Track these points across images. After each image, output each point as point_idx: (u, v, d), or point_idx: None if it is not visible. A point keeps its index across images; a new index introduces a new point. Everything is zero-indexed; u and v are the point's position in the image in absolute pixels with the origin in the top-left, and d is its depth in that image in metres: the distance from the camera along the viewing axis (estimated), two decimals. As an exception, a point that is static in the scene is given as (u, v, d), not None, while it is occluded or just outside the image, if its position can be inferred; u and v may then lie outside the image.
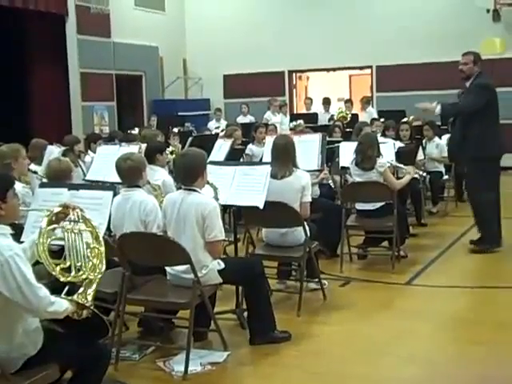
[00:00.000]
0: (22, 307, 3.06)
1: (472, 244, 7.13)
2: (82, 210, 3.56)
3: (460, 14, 13.80)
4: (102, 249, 3.48)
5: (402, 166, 7.15)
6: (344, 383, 4.10)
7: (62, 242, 3.45)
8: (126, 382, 4.10)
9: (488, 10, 13.63)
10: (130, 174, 4.75)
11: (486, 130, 6.87)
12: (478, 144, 6.87)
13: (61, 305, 3.12)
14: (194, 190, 4.43)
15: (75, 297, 3.23)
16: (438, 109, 7.00)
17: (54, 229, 3.44)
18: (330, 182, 7.56)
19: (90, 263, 3.39)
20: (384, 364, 4.35)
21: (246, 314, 4.83)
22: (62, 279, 3.30)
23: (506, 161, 13.48)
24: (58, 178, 4.95)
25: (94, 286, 3.31)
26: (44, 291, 3.08)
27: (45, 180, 5.26)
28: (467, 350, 4.51)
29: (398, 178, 7.04)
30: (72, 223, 3.48)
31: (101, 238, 3.53)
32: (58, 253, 3.43)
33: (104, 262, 3.45)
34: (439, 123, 9.89)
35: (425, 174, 7.75)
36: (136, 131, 9.76)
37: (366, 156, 6.55)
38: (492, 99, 6.91)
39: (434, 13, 14.18)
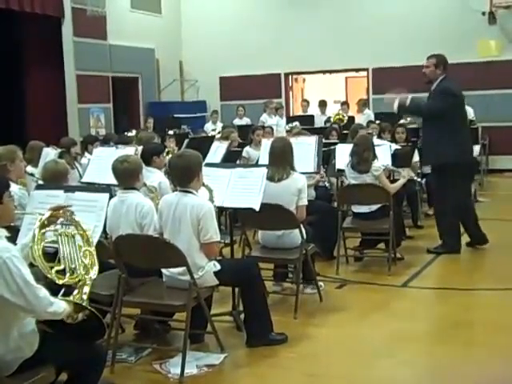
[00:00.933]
0: (22, 308, 3.06)
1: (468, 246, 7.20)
2: (72, 213, 3.57)
3: (456, 16, 13.82)
4: (93, 250, 3.51)
5: (397, 169, 7.18)
6: (340, 385, 4.11)
7: (55, 245, 3.46)
8: (122, 384, 4.10)
9: (484, 13, 13.68)
10: (127, 176, 4.76)
11: (445, 137, 6.73)
12: (439, 151, 6.81)
13: (59, 305, 3.14)
14: (190, 192, 4.43)
15: (71, 298, 3.24)
16: (408, 100, 6.86)
17: (47, 232, 3.46)
18: (327, 183, 7.57)
19: (84, 265, 3.42)
20: (380, 366, 4.35)
21: (242, 315, 4.83)
22: (58, 282, 3.31)
23: (499, 163, 13.65)
24: (54, 180, 4.95)
25: (89, 287, 3.33)
26: (44, 292, 3.09)
27: (41, 182, 5.25)
28: (463, 352, 4.51)
29: (394, 181, 7.05)
30: (64, 226, 3.50)
31: (91, 240, 3.55)
32: (51, 255, 3.44)
33: (97, 263, 3.47)
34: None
35: (420, 180, 7.76)
36: (133, 133, 9.75)
37: (362, 158, 6.55)
38: (455, 105, 6.78)
39: (429, 15, 14.21)
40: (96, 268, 3.47)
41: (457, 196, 6.90)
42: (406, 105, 6.91)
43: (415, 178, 7.63)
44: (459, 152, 6.80)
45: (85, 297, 3.29)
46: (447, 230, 7.09)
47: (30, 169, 6.38)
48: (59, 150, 6.97)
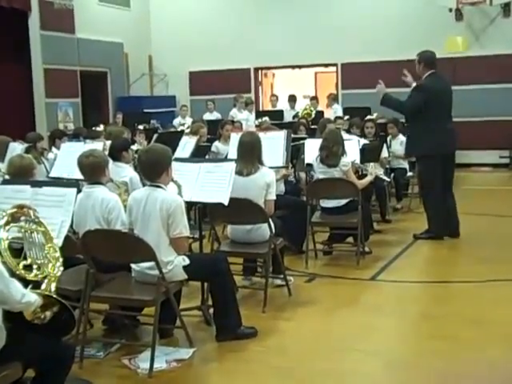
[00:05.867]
0: None
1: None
2: (35, 211, 3.56)
3: (423, 12, 13.95)
4: (56, 246, 3.53)
5: (364, 166, 7.25)
6: (309, 378, 4.13)
7: (21, 241, 3.46)
8: (91, 380, 4.06)
9: (451, 10, 13.82)
10: (92, 171, 4.73)
11: (422, 130, 7.14)
12: (415, 142, 7.34)
13: (31, 296, 3.12)
14: (159, 187, 4.42)
15: (40, 291, 3.24)
16: (381, 94, 7.35)
17: (11, 228, 3.45)
18: (292, 178, 7.60)
19: (48, 260, 3.42)
20: (348, 359, 4.39)
21: (211, 310, 4.83)
22: (26, 277, 3.30)
23: (467, 158, 13.82)
24: (19, 174, 4.88)
25: (55, 283, 3.33)
26: (16, 283, 3.07)
27: (7, 177, 5.19)
28: (430, 345, 4.56)
29: (362, 176, 7.11)
30: (28, 222, 3.49)
31: (53, 237, 3.56)
32: (17, 250, 3.43)
33: (61, 259, 3.47)
34: (403, 120, 10.00)
35: (387, 178, 7.94)
36: (101, 128, 9.68)
37: (332, 153, 6.59)
38: (430, 100, 7.06)
39: (397, 11, 14.36)
40: (60, 264, 3.48)
41: (436, 185, 7.22)
42: (390, 98, 7.33)
43: (382, 176, 7.75)
44: (433, 145, 7.11)
45: (53, 288, 3.29)
46: (431, 216, 7.34)
47: (-5, 164, 6.30)
48: (26, 145, 6.89)
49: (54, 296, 3.22)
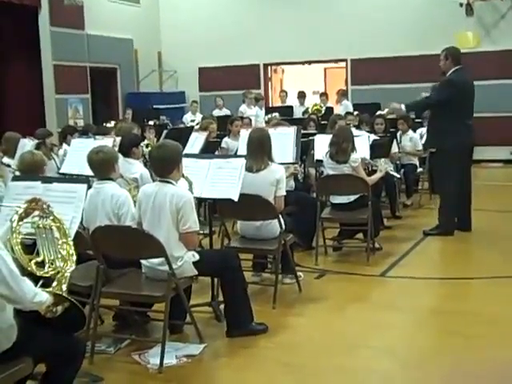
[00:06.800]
0: (7, 298, 3.03)
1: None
2: (49, 206, 3.56)
3: (433, 8, 13.90)
4: (71, 242, 3.51)
5: (374, 162, 7.24)
6: (320, 375, 4.12)
7: (33, 237, 3.45)
8: (101, 375, 4.08)
9: (461, 4, 13.74)
10: (102, 167, 4.74)
11: (448, 124, 7.11)
12: (437, 137, 7.32)
13: (43, 295, 3.12)
14: (169, 182, 4.43)
15: (51, 289, 3.24)
16: (403, 109, 7.50)
17: (24, 224, 3.45)
18: (299, 176, 7.59)
19: (62, 256, 3.41)
20: (359, 355, 4.38)
21: (222, 306, 4.83)
22: (37, 273, 3.30)
23: (478, 153, 13.73)
24: (30, 171, 4.91)
25: (67, 279, 3.32)
26: (28, 283, 3.07)
27: (18, 173, 5.21)
28: (441, 341, 4.56)
29: (371, 172, 7.09)
30: (42, 218, 3.49)
31: (68, 233, 3.55)
32: (29, 246, 3.43)
33: (75, 254, 3.46)
34: (413, 116, 9.97)
35: (396, 174, 7.94)
36: (112, 124, 9.70)
37: (341, 149, 6.58)
38: (458, 94, 7.06)
39: (407, 7, 14.30)
40: (74, 259, 3.47)
41: (454, 180, 7.20)
42: (410, 104, 7.50)
43: (392, 171, 7.74)
44: (457, 140, 7.10)
45: (64, 288, 3.29)
46: (443, 211, 7.35)
47: (6, 160, 6.33)
48: (36, 141, 6.91)
49: (65, 295, 3.22)
